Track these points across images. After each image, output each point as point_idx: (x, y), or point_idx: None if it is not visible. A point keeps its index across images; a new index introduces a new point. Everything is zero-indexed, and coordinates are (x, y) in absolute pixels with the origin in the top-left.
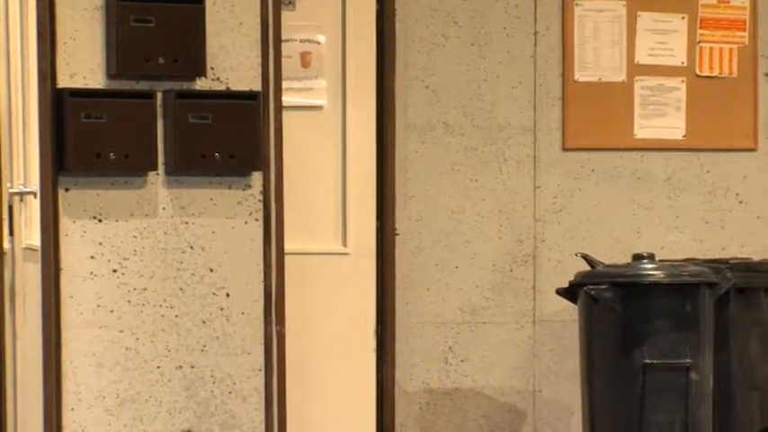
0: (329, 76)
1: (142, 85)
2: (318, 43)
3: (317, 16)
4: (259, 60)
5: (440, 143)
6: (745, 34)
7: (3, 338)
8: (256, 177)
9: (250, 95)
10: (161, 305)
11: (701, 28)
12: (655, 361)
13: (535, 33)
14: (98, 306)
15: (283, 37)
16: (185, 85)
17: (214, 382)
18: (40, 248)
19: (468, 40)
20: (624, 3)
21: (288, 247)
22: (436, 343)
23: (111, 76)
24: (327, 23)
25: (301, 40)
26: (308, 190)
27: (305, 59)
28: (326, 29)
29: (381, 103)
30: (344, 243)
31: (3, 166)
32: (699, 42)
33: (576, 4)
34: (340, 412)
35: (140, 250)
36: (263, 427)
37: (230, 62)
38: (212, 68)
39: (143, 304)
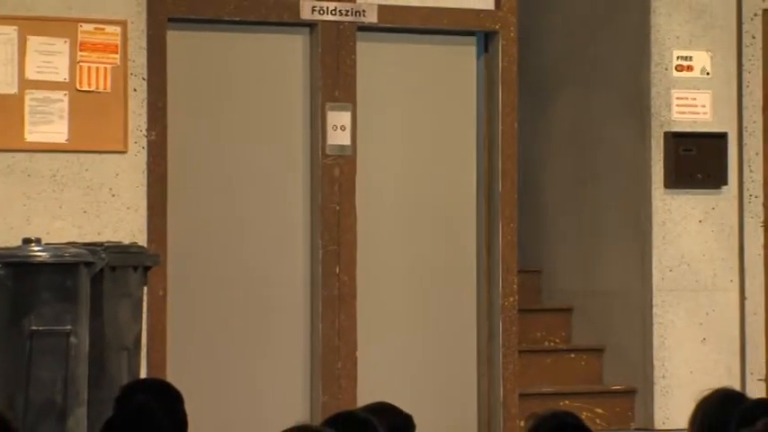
0: None
1: None
2: None
3: None
4: None
5: None
6: (118, 56)
7: None
8: None
9: None
10: None
11: (81, 50)
12: (40, 328)
13: None
14: None
15: None
16: None
17: None
18: None
19: None
20: (16, 27)
21: None
22: None
23: None
24: None
25: None
26: None
27: None
28: None
29: None
30: None
31: None
32: (79, 62)
33: None
34: None
35: None
36: None
37: None
38: None
39: None
